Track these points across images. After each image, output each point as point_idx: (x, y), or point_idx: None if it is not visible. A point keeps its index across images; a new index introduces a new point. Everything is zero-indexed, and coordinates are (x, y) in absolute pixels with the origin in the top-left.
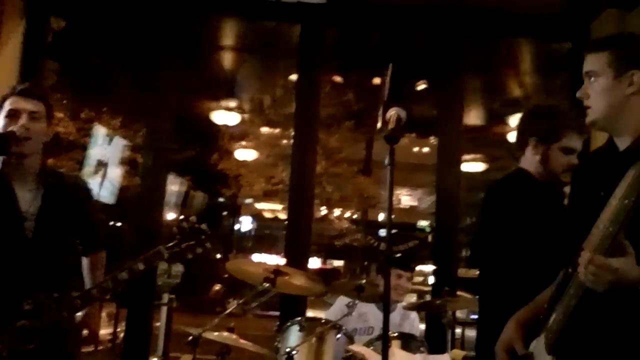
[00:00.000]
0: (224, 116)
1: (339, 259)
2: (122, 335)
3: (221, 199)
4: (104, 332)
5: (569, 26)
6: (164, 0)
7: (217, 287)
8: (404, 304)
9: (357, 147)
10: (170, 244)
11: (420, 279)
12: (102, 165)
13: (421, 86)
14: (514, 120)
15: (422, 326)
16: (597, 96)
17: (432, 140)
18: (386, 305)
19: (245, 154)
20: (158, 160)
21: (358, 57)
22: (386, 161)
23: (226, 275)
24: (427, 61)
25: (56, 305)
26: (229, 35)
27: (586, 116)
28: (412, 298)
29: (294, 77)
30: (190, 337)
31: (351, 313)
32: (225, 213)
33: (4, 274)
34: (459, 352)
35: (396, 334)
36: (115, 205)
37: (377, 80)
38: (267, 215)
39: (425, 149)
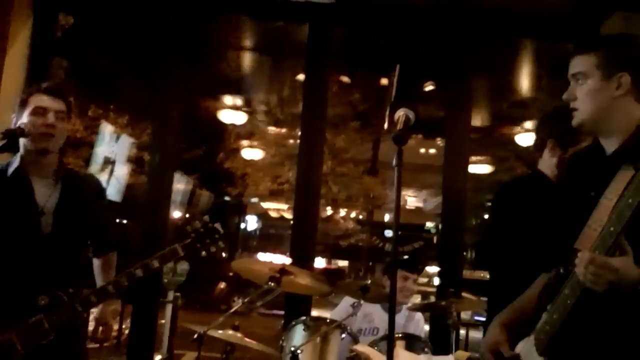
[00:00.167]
0: (231, 115)
1: (343, 259)
2: (127, 332)
3: (227, 198)
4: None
5: (578, 27)
6: None
7: (222, 285)
8: (409, 305)
9: (363, 147)
10: (186, 242)
11: (425, 280)
12: (108, 163)
13: (428, 87)
14: (521, 122)
15: (427, 327)
16: (585, 98)
17: (439, 141)
18: (392, 307)
19: (251, 153)
20: (165, 159)
21: (365, 57)
22: (394, 162)
23: (231, 274)
24: (435, 62)
25: (71, 301)
26: (236, 35)
27: (572, 118)
28: (417, 299)
29: (301, 76)
30: (196, 335)
31: (356, 313)
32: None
33: (19, 269)
34: (463, 354)
35: (401, 335)
36: (121, 203)
37: (384, 81)
38: (273, 214)
39: (432, 150)
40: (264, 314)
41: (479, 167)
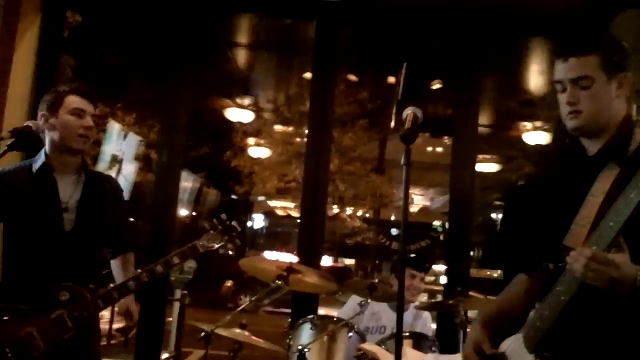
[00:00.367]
0: (238, 113)
1: (350, 257)
2: (134, 330)
3: (234, 197)
4: (117, 327)
5: (587, 26)
6: None
7: (229, 283)
8: (416, 303)
9: (371, 146)
10: (205, 240)
11: (432, 278)
12: (116, 161)
13: (436, 86)
14: (530, 120)
15: (434, 326)
16: (590, 100)
17: (446, 140)
18: (400, 305)
19: (259, 151)
20: (172, 157)
21: (373, 55)
22: (402, 161)
23: (238, 273)
24: (443, 60)
25: (92, 297)
26: (244, 33)
27: (574, 120)
28: (424, 298)
29: (308, 75)
30: (203, 334)
31: (364, 312)
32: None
33: (41, 264)
34: None
35: (408, 334)
36: (129, 201)
37: (392, 79)
38: (280, 213)
39: (439, 149)
40: (271, 312)
41: (487, 166)
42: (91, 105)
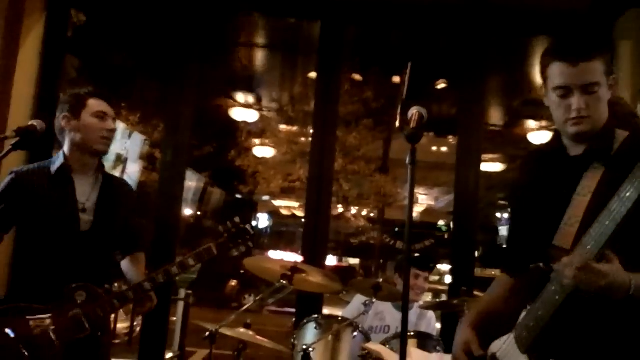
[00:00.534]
0: (243, 113)
1: (355, 257)
2: (138, 329)
3: (239, 196)
4: (121, 326)
5: (591, 25)
6: None
7: (233, 283)
8: (421, 303)
9: (375, 145)
10: (219, 242)
11: (437, 278)
12: (120, 160)
13: (441, 85)
14: (534, 120)
15: (438, 325)
16: (596, 105)
17: (451, 139)
18: (405, 305)
19: (263, 151)
20: (177, 156)
21: (378, 55)
22: (407, 160)
23: (242, 272)
24: (448, 60)
25: (108, 297)
26: (248, 32)
27: (578, 125)
28: (428, 297)
29: (313, 74)
30: (207, 333)
31: (368, 311)
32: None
33: (57, 264)
34: None
35: (413, 333)
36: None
37: (396, 79)
38: (284, 212)
39: (444, 148)
40: (275, 311)
41: (492, 165)
42: (111, 108)
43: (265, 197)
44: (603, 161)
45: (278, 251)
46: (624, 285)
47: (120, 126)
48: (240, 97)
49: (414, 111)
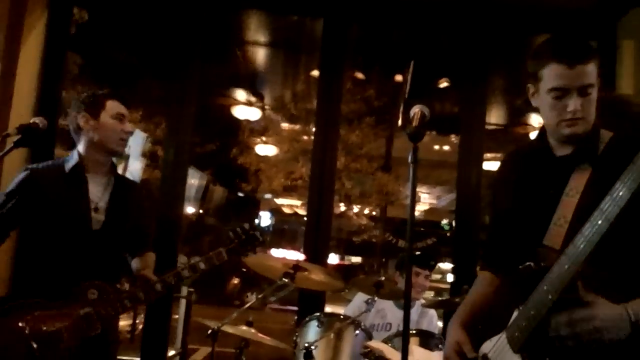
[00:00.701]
0: (245, 111)
1: (357, 255)
2: (140, 327)
3: (241, 194)
4: (123, 323)
5: (595, 24)
6: None
7: (235, 280)
8: (422, 301)
9: (377, 144)
10: (230, 247)
11: (439, 276)
12: (122, 157)
13: (443, 84)
14: (537, 119)
15: (440, 324)
16: (591, 107)
17: (453, 138)
18: (407, 303)
19: (265, 149)
20: (179, 154)
21: (380, 53)
22: (409, 158)
23: (244, 270)
24: (451, 58)
25: (119, 296)
26: (251, 30)
27: (573, 127)
28: (429, 295)
29: (315, 72)
30: (210, 331)
31: (370, 309)
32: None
33: (68, 262)
34: None
35: (415, 331)
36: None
37: (398, 77)
38: (286, 210)
39: (446, 147)
40: (278, 309)
41: (494, 164)
42: (127, 110)
43: (268, 195)
44: (590, 162)
45: (280, 249)
46: (620, 318)
47: None
48: (243, 95)
49: (416, 110)
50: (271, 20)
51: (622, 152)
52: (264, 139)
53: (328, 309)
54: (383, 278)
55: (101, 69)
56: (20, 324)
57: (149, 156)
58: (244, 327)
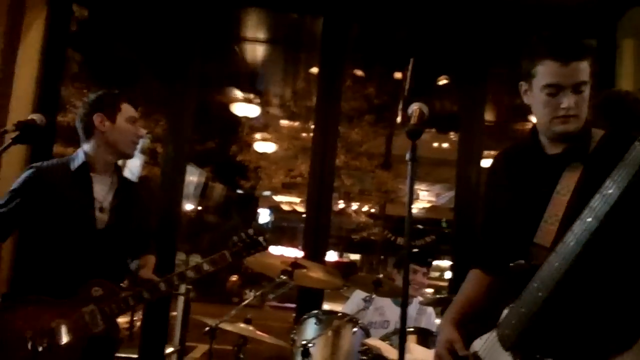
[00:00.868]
0: (245, 108)
1: (356, 252)
2: (139, 324)
3: (240, 191)
4: (121, 320)
5: (595, 23)
6: None
7: (234, 278)
8: (420, 299)
9: (377, 141)
10: (234, 250)
11: (437, 274)
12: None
13: (442, 81)
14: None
15: (438, 321)
16: (584, 105)
17: (452, 135)
18: (404, 301)
19: (265, 146)
20: (178, 151)
21: (380, 51)
22: (407, 156)
23: (243, 267)
24: (451, 56)
25: (124, 294)
26: (251, 27)
27: (566, 124)
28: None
29: (315, 70)
30: (208, 328)
31: (368, 307)
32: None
33: (72, 260)
34: None
35: (413, 329)
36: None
37: (398, 75)
38: (285, 207)
39: (445, 145)
40: (276, 306)
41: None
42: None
43: (267, 193)
44: (581, 160)
45: (279, 246)
46: None
47: None
48: (242, 92)
49: (414, 107)
50: (271, 17)
51: (613, 150)
52: (263, 136)
53: (327, 306)
54: (381, 275)
55: (101, 67)
56: (22, 321)
57: (149, 153)
58: (242, 325)
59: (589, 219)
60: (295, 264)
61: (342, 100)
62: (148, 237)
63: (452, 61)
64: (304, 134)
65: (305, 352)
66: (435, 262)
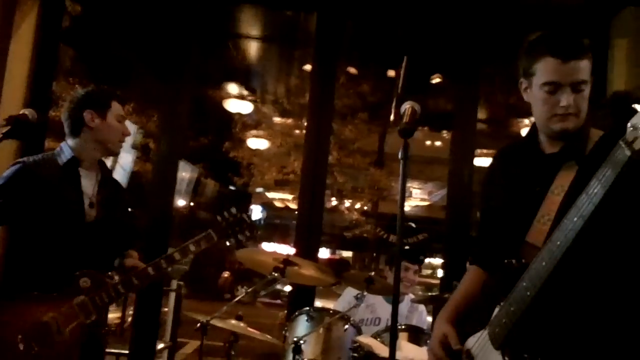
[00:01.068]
0: (238, 104)
1: (348, 249)
2: (130, 319)
3: (232, 187)
4: (112, 316)
5: (588, 22)
6: None
7: (226, 274)
8: (412, 296)
9: (370, 139)
10: (219, 229)
11: (429, 272)
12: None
13: (436, 80)
14: (528, 115)
15: (430, 319)
16: (583, 103)
17: (445, 134)
18: (396, 298)
19: (257, 142)
20: (171, 147)
21: (374, 48)
22: (400, 154)
23: (236, 264)
24: (444, 54)
25: (113, 283)
26: (245, 24)
27: (565, 122)
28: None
29: (309, 67)
30: (199, 324)
31: (359, 304)
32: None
33: (62, 253)
34: None
35: (404, 327)
36: (126, 190)
37: (392, 73)
38: (278, 204)
39: (438, 143)
40: (268, 303)
41: (486, 160)
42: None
43: (259, 189)
44: (577, 160)
45: (271, 243)
46: None
47: None
48: (236, 88)
49: (407, 106)
50: (265, 14)
51: (609, 151)
52: (256, 132)
53: (318, 303)
54: (373, 273)
55: (94, 62)
56: (14, 319)
57: (141, 148)
58: (234, 321)
59: (575, 218)
60: (287, 260)
61: (335, 98)
62: (131, 233)
63: (445, 60)
64: (297, 131)
65: (297, 349)
66: (427, 260)
